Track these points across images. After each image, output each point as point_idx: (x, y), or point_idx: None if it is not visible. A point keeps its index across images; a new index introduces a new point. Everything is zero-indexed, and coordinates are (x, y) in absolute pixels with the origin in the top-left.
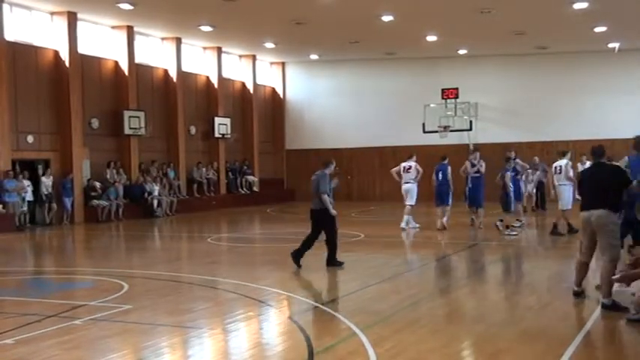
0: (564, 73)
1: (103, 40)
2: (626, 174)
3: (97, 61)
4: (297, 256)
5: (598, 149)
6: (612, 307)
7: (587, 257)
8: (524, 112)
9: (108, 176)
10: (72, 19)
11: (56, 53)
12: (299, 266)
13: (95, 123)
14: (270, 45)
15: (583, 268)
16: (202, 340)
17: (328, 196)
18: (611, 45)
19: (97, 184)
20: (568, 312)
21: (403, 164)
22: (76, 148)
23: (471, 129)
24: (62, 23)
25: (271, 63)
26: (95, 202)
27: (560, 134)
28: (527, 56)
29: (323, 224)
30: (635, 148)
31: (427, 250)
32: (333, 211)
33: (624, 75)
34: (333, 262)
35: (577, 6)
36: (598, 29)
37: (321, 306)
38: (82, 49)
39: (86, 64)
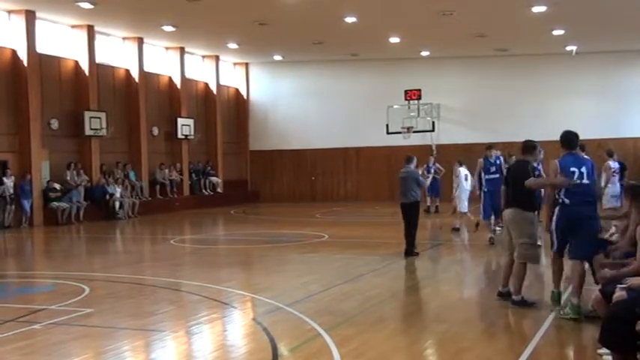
0: (524, 75)
1: (62, 40)
2: (526, 170)
3: (56, 60)
4: (410, 250)
5: (523, 145)
6: (520, 304)
7: (510, 253)
8: (486, 113)
9: (68, 178)
10: (30, 18)
11: (14, 52)
12: (417, 254)
13: (55, 124)
14: (233, 46)
15: (509, 266)
16: (165, 343)
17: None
18: (568, 48)
19: (57, 186)
20: (529, 310)
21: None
22: (35, 149)
23: (433, 130)
24: (20, 22)
25: (235, 64)
26: (55, 204)
27: (521, 135)
28: (488, 58)
29: (412, 215)
30: (565, 147)
31: (390, 250)
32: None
33: (581, 77)
34: (411, 253)
35: (535, 9)
36: (556, 32)
37: (285, 307)
38: (41, 48)
39: (45, 63)
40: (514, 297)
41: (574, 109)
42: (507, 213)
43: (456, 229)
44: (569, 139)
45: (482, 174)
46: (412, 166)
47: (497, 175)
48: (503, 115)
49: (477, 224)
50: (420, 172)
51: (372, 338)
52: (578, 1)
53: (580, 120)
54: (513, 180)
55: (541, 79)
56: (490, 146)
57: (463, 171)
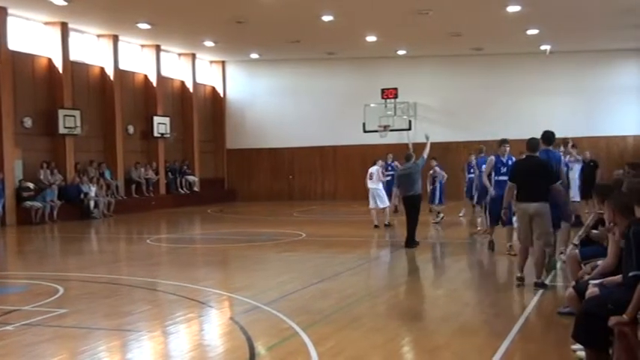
0: (499, 74)
1: (35, 37)
2: (553, 172)
3: (29, 58)
4: (411, 241)
5: (532, 143)
6: (542, 286)
7: (527, 243)
8: (461, 111)
9: (42, 177)
10: (2, 15)
11: None
12: (417, 244)
13: (28, 122)
14: (209, 44)
15: (524, 253)
16: (141, 343)
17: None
18: (542, 47)
19: (30, 185)
20: (504, 306)
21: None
22: (7, 148)
23: (410, 128)
24: None
25: (211, 62)
26: (29, 203)
27: (496, 133)
28: (464, 57)
29: (413, 208)
30: (544, 143)
31: (367, 248)
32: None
33: (555, 76)
34: (411, 243)
35: (510, 9)
36: (530, 32)
37: (262, 306)
38: (13, 45)
39: (18, 61)
40: (538, 280)
41: (548, 108)
42: (533, 207)
43: (377, 227)
44: (547, 137)
45: (492, 174)
46: (411, 163)
47: (506, 177)
48: (478, 113)
49: (378, 225)
50: (380, 171)
51: (349, 336)
52: (552, 1)
53: (553, 119)
54: (531, 175)
55: (516, 78)
56: (504, 141)
57: (376, 169)
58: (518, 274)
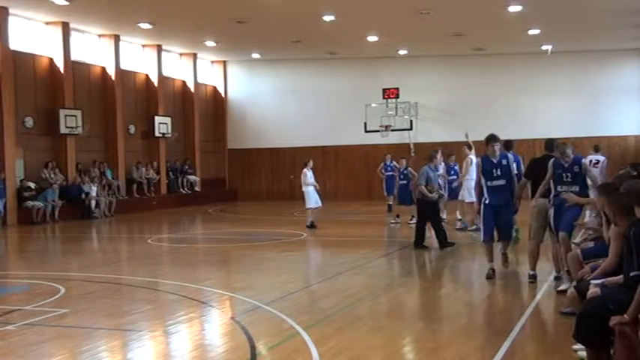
0: (500, 74)
1: (36, 37)
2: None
3: (30, 57)
4: (419, 243)
5: (549, 143)
6: (561, 279)
7: (540, 239)
8: (463, 111)
9: (46, 176)
10: (3, 15)
11: None
12: (424, 247)
13: (29, 122)
14: (211, 43)
15: (535, 252)
16: (142, 342)
17: (426, 187)
18: (544, 47)
19: (32, 185)
20: (505, 307)
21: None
22: (9, 148)
23: (411, 128)
24: None
25: (212, 62)
26: (30, 203)
27: (497, 133)
28: (465, 57)
29: (425, 211)
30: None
31: (368, 248)
32: (433, 196)
33: (556, 76)
34: (416, 244)
35: (512, 9)
36: (532, 32)
37: (263, 306)
38: (15, 45)
39: (19, 60)
40: (557, 274)
41: (549, 108)
42: (546, 202)
43: (310, 226)
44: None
45: (482, 179)
46: (432, 164)
47: (502, 182)
48: (480, 113)
49: (313, 224)
50: (378, 170)
51: (350, 336)
52: (554, 1)
53: (555, 119)
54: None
55: (517, 78)
56: (492, 138)
57: (309, 170)
58: (531, 272)
